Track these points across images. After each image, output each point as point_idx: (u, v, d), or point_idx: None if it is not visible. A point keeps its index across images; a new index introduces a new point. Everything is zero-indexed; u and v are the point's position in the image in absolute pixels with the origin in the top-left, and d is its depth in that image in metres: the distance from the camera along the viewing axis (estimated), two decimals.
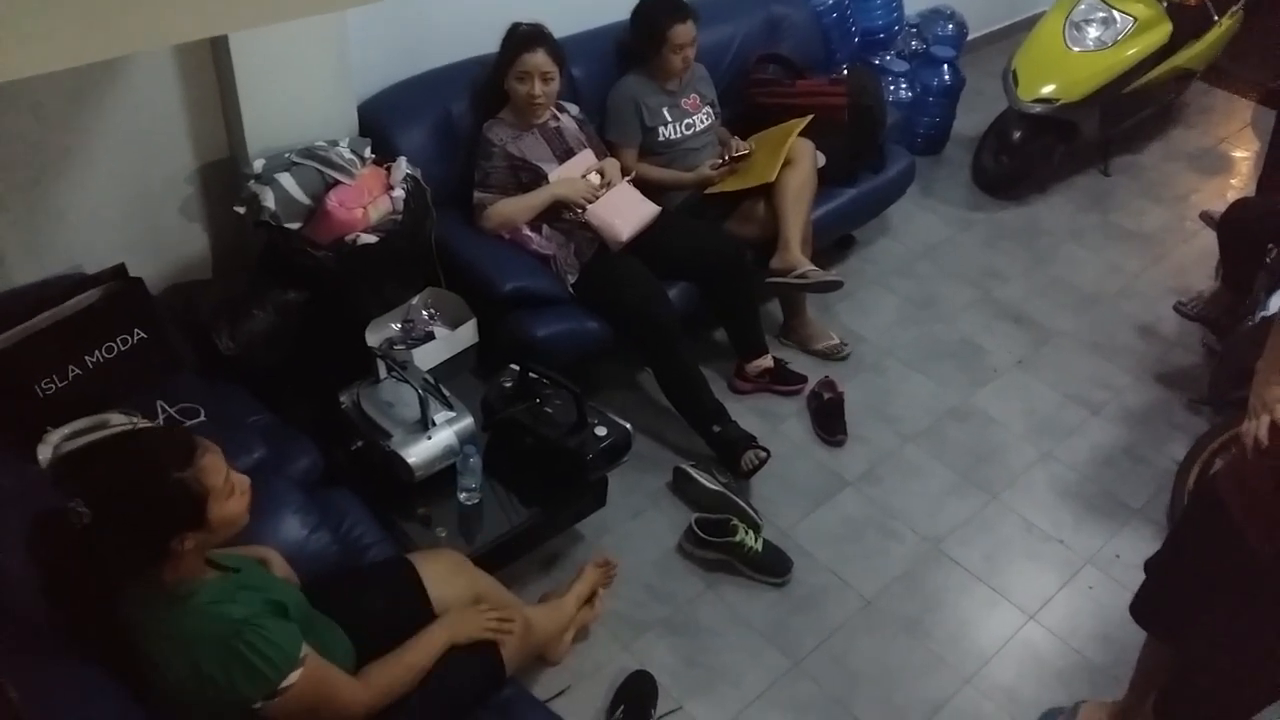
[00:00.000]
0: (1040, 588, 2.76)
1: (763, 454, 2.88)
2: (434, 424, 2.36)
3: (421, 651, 1.90)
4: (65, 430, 2.17)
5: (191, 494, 1.55)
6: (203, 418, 2.34)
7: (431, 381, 2.44)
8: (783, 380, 3.24)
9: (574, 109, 3.14)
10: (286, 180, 2.55)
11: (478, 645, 1.99)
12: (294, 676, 1.61)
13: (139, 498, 1.55)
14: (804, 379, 3.26)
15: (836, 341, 3.40)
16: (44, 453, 2.12)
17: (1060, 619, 2.68)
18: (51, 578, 1.64)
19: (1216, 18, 4.32)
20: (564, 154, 3.03)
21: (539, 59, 2.87)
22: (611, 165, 3.12)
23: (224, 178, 2.72)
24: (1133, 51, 4.05)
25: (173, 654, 1.59)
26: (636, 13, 3.20)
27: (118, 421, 2.23)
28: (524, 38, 2.89)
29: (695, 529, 2.71)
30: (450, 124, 3.00)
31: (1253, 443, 1.79)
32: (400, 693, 1.85)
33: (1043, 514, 2.96)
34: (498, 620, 2.06)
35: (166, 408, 2.34)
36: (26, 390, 2.20)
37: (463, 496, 2.38)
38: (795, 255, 3.12)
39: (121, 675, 1.66)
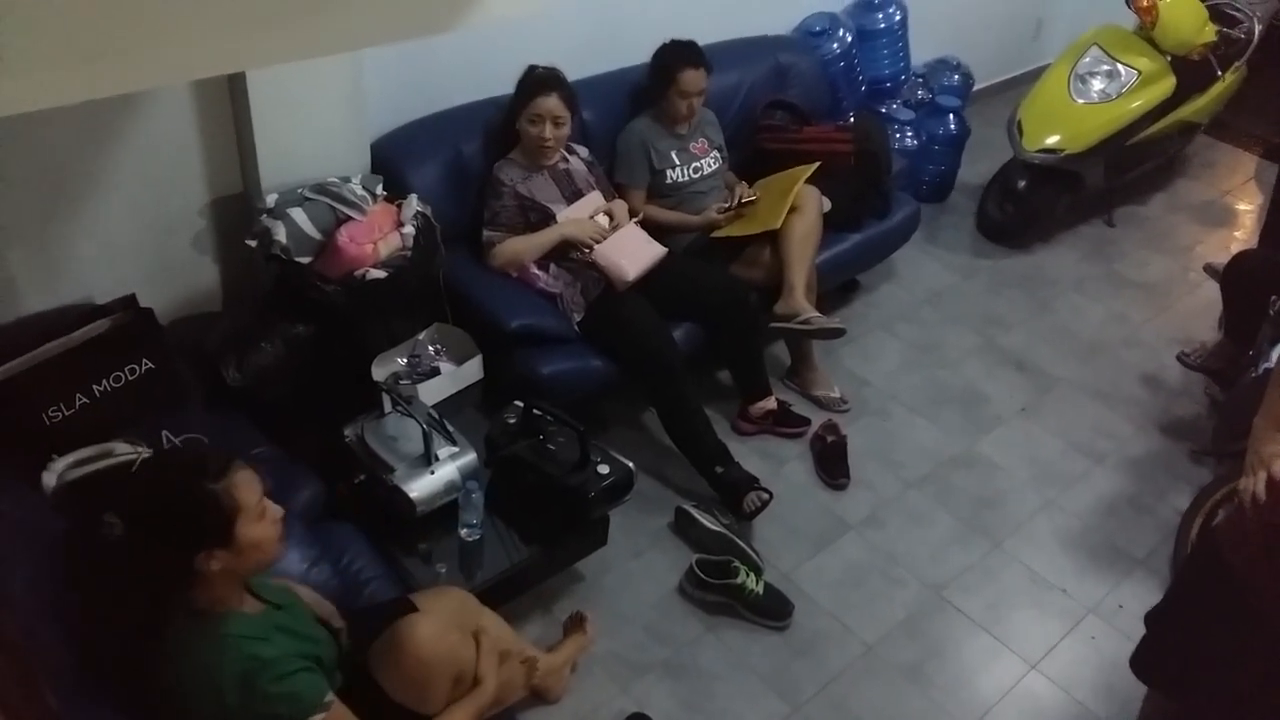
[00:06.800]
0: (1042, 637, 2.74)
1: (765, 496, 2.87)
2: (437, 459, 2.36)
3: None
4: (70, 458, 2.18)
5: (221, 506, 1.55)
6: None
7: (436, 416, 2.45)
8: (786, 422, 3.24)
9: (583, 151, 3.18)
10: (298, 215, 2.57)
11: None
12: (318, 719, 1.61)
13: (169, 504, 1.55)
14: (807, 421, 3.26)
15: (838, 395, 3.40)
16: (49, 480, 2.13)
17: (1062, 669, 2.66)
18: (85, 596, 1.62)
19: (1220, 72, 4.37)
20: (573, 195, 3.07)
21: (552, 103, 2.92)
22: (619, 207, 3.15)
23: (236, 211, 2.75)
24: (1137, 104, 4.09)
25: (199, 680, 1.58)
26: (657, 53, 3.25)
27: (122, 450, 2.24)
28: (539, 81, 2.94)
29: (696, 570, 2.70)
30: (461, 163, 3.04)
31: (1250, 499, 1.79)
32: None
33: (1046, 563, 2.94)
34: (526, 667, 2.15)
35: (172, 438, 2.35)
36: (33, 418, 2.22)
37: (464, 532, 2.38)
38: (799, 301, 3.14)
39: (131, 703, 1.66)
